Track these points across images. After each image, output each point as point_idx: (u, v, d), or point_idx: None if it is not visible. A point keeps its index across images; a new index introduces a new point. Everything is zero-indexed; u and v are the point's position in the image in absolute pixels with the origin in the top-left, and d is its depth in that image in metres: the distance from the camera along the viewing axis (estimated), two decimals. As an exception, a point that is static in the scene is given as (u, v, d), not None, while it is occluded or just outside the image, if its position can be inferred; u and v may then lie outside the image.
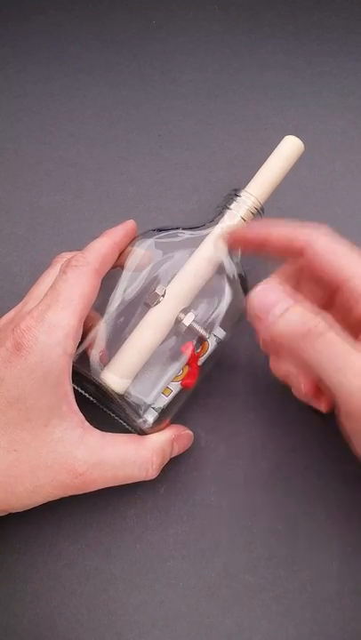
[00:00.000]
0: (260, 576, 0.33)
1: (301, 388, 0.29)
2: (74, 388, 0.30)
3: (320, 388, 0.29)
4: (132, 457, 0.29)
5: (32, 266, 0.38)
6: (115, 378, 0.29)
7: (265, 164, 0.33)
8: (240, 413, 0.35)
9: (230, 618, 0.32)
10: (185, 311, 0.30)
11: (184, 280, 0.30)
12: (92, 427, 0.29)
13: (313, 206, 0.40)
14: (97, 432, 0.29)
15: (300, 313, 0.25)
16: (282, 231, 0.29)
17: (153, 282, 0.30)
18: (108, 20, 0.44)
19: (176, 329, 0.30)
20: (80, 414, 0.29)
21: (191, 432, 0.33)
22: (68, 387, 0.28)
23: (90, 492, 0.29)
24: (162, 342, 0.30)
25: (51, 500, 0.28)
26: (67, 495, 0.28)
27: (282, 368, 0.29)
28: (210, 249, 0.31)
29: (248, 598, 0.32)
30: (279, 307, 0.25)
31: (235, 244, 0.31)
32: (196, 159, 0.41)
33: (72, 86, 0.42)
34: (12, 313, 0.32)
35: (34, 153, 0.41)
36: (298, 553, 0.33)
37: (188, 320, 0.30)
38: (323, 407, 0.29)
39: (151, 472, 0.30)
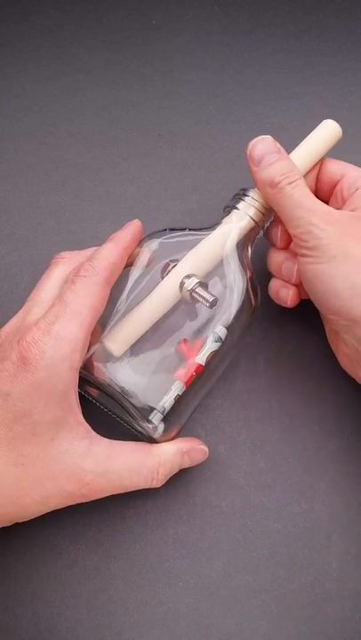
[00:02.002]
0: (260, 576, 0.33)
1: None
2: (83, 395, 0.30)
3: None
4: (138, 467, 0.29)
5: (32, 266, 0.38)
6: (111, 340, 0.29)
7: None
8: (240, 413, 0.35)
9: (230, 618, 0.32)
10: (190, 277, 0.29)
11: (195, 254, 0.30)
12: (99, 436, 0.29)
13: (313, 206, 0.40)
14: (105, 441, 0.29)
15: (284, 165, 0.30)
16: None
17: (158, 282, 0.30)
18: (108, 20, 0.44)
19: (182, 296, 0.30)
20: (86, 425, 0.29)
21: (206, 448, 0.32)
22: (73, 400, 0.28)
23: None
24: (166, 312, 0.30)
25: (57, 508, 0.28)
26: (73, 503, 0.28)
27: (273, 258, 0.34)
28: (214, 244, 0.31)
29: (248, 598, 0.32)
30: (268, 157, 0.30)
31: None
32: (196, 159, 0.41)
33: (72, 86, 0.42)
34: (14, 320, 0.31)
35: (34, 153, 0.41)
36: (298, 553, 0.33)
37: (190, 284, 0.29)
38: (290, 297, 0.34)
39: (156, 481, 0.30)
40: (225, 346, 0.31)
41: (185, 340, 0.30)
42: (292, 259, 0.33)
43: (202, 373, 0.31)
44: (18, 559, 0.33)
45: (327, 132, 0.33)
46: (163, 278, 0.30)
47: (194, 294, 0.29)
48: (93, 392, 0.31)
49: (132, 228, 0.31)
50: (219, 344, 0.30)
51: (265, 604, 0.32)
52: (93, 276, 0.28)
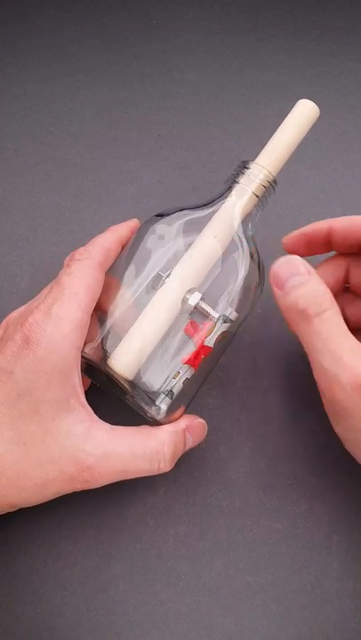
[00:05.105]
0: (260, 576, 0.33)
1: None
2: (91, 382, 0.30)
3: None
4: (140, 449, 0.29)
5: (32, 266, 0.38)
6: (122, 363, 0.29)
7: (277, 132, 0.31)
8: (240, 413, 0.35)
9: (230, 618, 0.32)
10: (191, 291, 0.29)
11: (189, 260, 0.29)
12: (100, 420, 0.29)
13: (313, 206, 0.40)
14: (106, 425, 0.29)
15: (312, 289, 0.26)
16: (311, 225, 0.32)
17: (164, 268, 0.30)
18: (108, 19, 0.44)
19: (183, 309, 0.29)
20: (88, 408, 0.29)
21: (203, 421, 0.32)
22: (76, 380, 0.28)
23: (90, 493, 0.29)
24: (171, 325, 0.29)
25: (60, 495, 0.28)
26: (76, 490, 0.28)
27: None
28: (218, 227, 0.30)
29: (248, 598, 0.32)
30: (294, 279, 0.26)
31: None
32: (196, 159, 0.41)
33: (72, 86, 0.42)
34: (22, 308, 0.32)
35: (34, 153, 0.41)
36: (298, 553, 0.33)
37: (193, 300, 0.29)
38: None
39: (163, 465, 0.29)
40: (233, 326, 0.31)
41: (192, 322, 0.30)
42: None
43: (210, 355, 0.30)
44: (18, 559, 0.33)
45: (305, 113, 0.31)
46: (157, 287, 0.29)
47: (198, 309, 0.29)
48: (100, 378, 0.31)
49: (131, 223, 0.33)
50: (228, 324, 0.30)
51: (265, 603, 0.32)
52: (88, 260, 0.29)
